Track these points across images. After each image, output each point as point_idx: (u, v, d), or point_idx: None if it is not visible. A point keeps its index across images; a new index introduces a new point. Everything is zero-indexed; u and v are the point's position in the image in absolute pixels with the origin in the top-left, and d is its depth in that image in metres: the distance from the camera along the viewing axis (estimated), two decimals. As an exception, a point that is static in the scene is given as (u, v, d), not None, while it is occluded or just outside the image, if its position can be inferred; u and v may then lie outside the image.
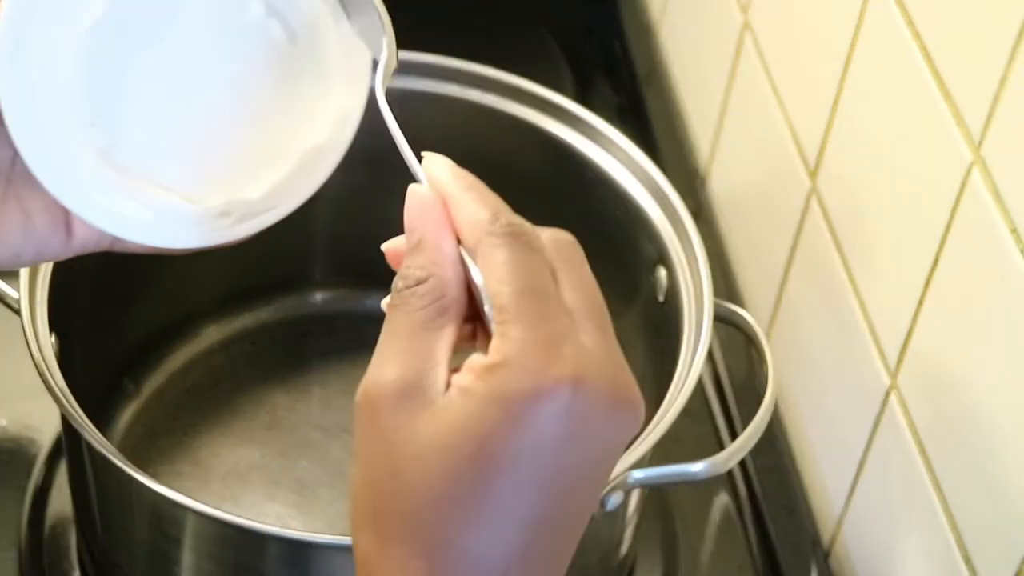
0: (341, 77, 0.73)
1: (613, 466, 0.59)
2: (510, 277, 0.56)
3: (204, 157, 0.72)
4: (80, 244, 0.72)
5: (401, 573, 0.56)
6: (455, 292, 0.58)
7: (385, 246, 0.62)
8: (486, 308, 0.57)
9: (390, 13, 0.71)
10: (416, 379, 0.56)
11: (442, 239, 0.58)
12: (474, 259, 0.57)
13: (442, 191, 0.59)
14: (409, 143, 0.64)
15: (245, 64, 0.72)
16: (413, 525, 0.56)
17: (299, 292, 1.04)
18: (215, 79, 0.71)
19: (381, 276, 1.03)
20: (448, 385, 0.56)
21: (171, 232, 0.72)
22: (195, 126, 0.72)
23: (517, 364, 0.55)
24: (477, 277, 0.57)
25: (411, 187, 0.59)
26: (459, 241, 0.58)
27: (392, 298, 0.58)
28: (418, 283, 0.58)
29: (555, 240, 0.59)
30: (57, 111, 0.67)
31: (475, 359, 0.56)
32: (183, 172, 0.71)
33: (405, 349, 0.57)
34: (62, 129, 0.67)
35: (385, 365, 0.57)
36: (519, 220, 0.58)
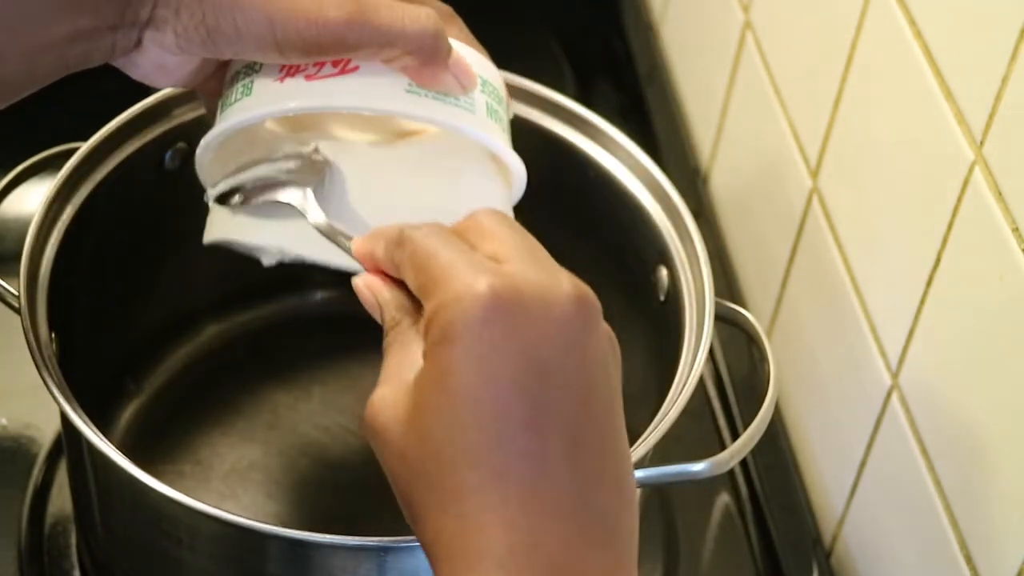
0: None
1: (600, 361, 0.63)
2: (417, 270, 0.65)
3: None
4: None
5: (481, 496, 0.60)
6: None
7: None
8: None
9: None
10: (398, 376, 0.64)
11: (387, 295, 0.68)
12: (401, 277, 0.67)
13: (364, 260, 0.70)
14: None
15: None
16: (460, 475, 0.61)
17: (300, 291, 1.04)
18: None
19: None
20: None
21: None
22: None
23: (443, 302, 0.62)
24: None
25: (353, 280, 0.69)
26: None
27: (384, 341, 0.67)
28: (395, 323, 0.67)
29: (480, 212, 0.67)
30: None
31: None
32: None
33: (392, 365, 0.65)
34: None
35: (379, 383, 0.65)
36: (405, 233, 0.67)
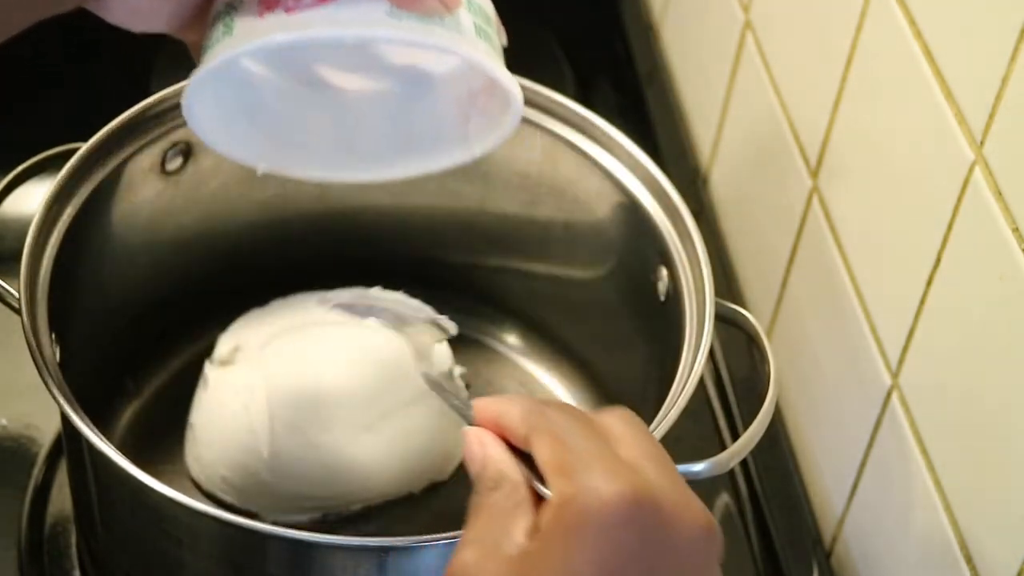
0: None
1: None
2: (555, 444, 0.64)
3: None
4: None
5: None
6: (524, 491, 0.65)
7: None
8: (542, 488, 0.64)
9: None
10: (494, 545, 0.63)
11: (501, 454, 0.67)
12: (529, 445, 0.66)
13: (488, 416, 0.69)
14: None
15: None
16: None
17: (298, 291, 1.04)
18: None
19: (380, 278, 1.04)
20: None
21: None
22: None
23: (580, 490, 0.61)
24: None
25: (464, 430, 0.69)
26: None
27: (474, 499, 0.66)
28: (496, 486, 0.66)
29: (613, 414, 0.67)
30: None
31: (545, 506, 0.63)
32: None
33: (485, 528, 0.64)
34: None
35: (467, 543, 0.64)
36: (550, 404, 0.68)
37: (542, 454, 0.64)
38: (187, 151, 0.96)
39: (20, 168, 0.91)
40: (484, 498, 0.66)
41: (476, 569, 0.62)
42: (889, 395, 0.89)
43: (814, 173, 0.98)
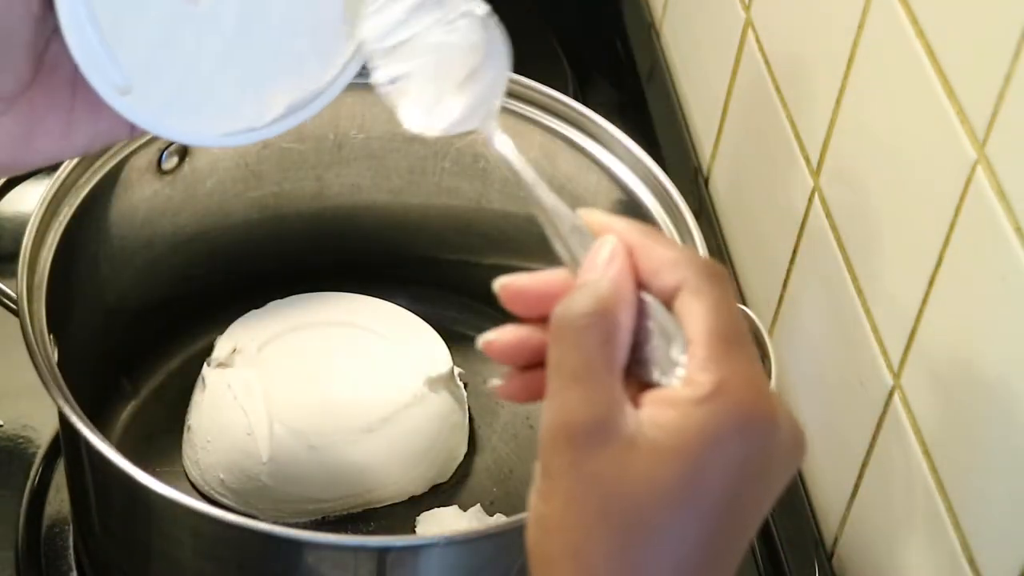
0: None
1: (774, 502, 0.59)
2: (718, 316, 0.56)
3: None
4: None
5: None
6: (627, 337, 0.57)
7: (501, 282, 0.61)
8: (673, 351, 0.56)
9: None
10: (609, 418, 0.56)
11: (626, 284, 0.58)
12: (671, 299, 0.57)
13: (627, 240, 0.59)
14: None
15: None
16: (622, 563, 0.55)
17: (296, 292, 1.04)
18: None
19: (379, 277, 1.04)
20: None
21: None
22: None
23: (728, 396, 0.55)
24: (665, 318, 0.57)
25: (603, 238, 0.59)
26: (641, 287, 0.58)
27: (560, 325, 0.57)
28: (595, 317, 0.57)
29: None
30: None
31: (669, 395, 0.56)
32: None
33: (591, 388, 0.56)
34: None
35: (575, 404, 0.56)
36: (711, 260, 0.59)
37: (701, 319, 0.56)
38: (183, 150, 0.96)
39: (18, 168, 0.91)
40: (581, 327, 0.56)
41: (578, 439, 0.55)
42: (891, 395, 0.88)
43: (815, 172, 0.98)
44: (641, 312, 0.57)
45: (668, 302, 0.58)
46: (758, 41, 1.08)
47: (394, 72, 0.67)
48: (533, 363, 0.60)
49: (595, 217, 0.60)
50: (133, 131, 0.68)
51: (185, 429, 0.97)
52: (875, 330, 0.90)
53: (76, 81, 0.65)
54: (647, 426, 0.55)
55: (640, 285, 0.58)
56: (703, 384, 0.55)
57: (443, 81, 0.66)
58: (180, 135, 0.69)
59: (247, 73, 0.69)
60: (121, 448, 0.87)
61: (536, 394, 0.60)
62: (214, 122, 0.69)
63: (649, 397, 0.56)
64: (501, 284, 0.61)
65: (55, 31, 0.64)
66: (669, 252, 0.58)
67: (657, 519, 0.55)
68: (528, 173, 0.63)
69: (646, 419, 0.56)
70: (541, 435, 0.57)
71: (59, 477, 0.97)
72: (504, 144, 0.64)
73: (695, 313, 0.57)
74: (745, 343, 0.57)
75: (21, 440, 0.99)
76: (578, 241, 0.60)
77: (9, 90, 0.64)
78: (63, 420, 0.83)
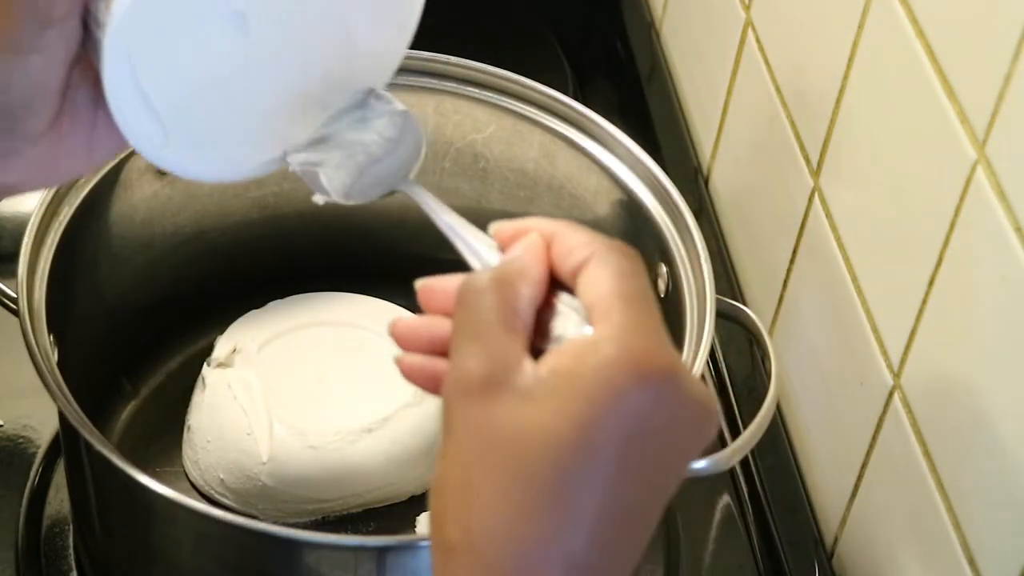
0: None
1: (686, 468, 0.59)
2: (622, 280, 0.59)
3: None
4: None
5: (506, 550, 0.56)
6: (527, 306, 0.59)
7: (420, 282, 0.64)
8: (581, 325, 0.58)
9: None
10: (504, 370, 0.57)
11: (532, 264, 0.61)
12: (580, 272, 0.60)
13: (544, 230, 0.62)
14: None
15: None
16: (508, 507, 0.56)
17: (296, 292, 1.04)
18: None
19: (379, 277, 1.04)
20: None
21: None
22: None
23: (623, 342, 0.56)
24: (577, 302, 0.60)
25: (529, 237, 0.62)
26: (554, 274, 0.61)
27: (461, 291, 0.60)
28: (494, 283, 0.60)
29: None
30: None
31: (567, 344, 0.58)
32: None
33: (485, 344, 0.58)
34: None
35: (469, 358, 0.58)
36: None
37: (611, 281, 0.58)
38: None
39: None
40: (479, 289, 0.59)
41: (473, 391, 0.57)
42: (891, 395, 0.88)
43: (816, 172, 0.98)
44: (552, 295, 0.60)
45: (578, 275, 0.60)
46: (758, 41, 1.08)
47: (306, 160, 0.71)
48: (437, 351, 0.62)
49: (506, 225, 0.64)
50: None
51: (185, 429, 0.97)
52: (875, 329, 0.90)
53: (97, 102, 0.65)
54: (545, 375, 0.57)
55: (555, 266, 0.61)
56: (599, 330, 0.57)
57: (350, 169, 0.70)
58: (208, 176, 0.70)
59: (268, 111, 0.70)
60: (121, 448, 0.87)
61: (435, 383, 0.61)
62: (237, 162, 0.71)
63: (550, 351, 0.58)
64: (420, 284, 0.64)
65: (77, 60, 0.64)
66: (582, 236, 0.61)
67: (547, 462, 0.55)
68: (445, 216, 0.69)
69: (544, 370, 0.57)
70: (442, 394, 0.58)
71: (59, 477, 0.97)
72: (421, 194, 0.70)
73: (599, 278, 0.59)
74: (648, 305, 0.58)
75: (21, 440, 0.99)
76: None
77: (41, 130, 0.65)
78: (63, 420, 0.83)
